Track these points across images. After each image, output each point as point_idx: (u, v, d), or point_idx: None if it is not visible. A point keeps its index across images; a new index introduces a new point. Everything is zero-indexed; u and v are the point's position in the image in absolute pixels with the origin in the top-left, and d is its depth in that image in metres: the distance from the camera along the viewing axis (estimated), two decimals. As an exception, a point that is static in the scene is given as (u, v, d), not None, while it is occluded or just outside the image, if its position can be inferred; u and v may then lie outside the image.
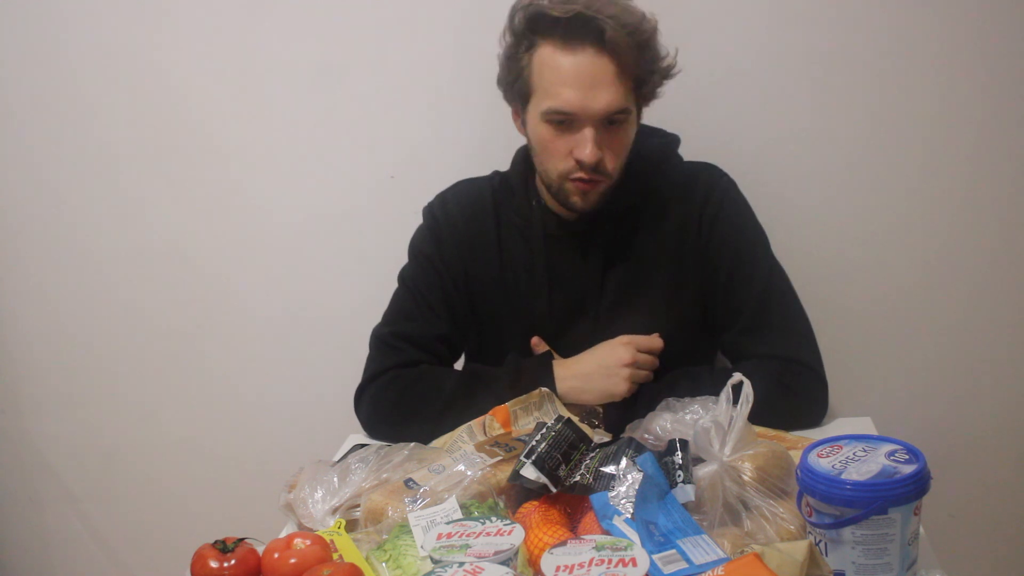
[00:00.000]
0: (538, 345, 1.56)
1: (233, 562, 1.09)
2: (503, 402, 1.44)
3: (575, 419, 1.37)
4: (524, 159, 1.58)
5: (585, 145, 1.40)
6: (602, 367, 1.48)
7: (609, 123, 1.41)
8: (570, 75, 1.38)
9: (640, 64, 1.40)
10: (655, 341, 1.52)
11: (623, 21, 1.36)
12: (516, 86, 1.46)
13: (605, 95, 1.38)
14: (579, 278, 1.56)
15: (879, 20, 1.70)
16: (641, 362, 1.49)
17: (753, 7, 1.73)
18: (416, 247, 1.64)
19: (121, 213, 2.02)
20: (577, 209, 1.50)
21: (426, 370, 1.56)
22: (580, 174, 1.44)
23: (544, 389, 1.46)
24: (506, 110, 1.53)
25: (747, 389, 1.13)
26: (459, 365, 1.68)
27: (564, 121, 1.41)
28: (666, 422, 1.27)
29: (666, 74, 1.47)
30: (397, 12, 1.82)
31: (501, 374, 1.51)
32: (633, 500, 1.12)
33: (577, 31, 1.37)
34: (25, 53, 1.96)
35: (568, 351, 1.55)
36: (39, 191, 2.04)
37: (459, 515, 1.16)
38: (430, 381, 1.55)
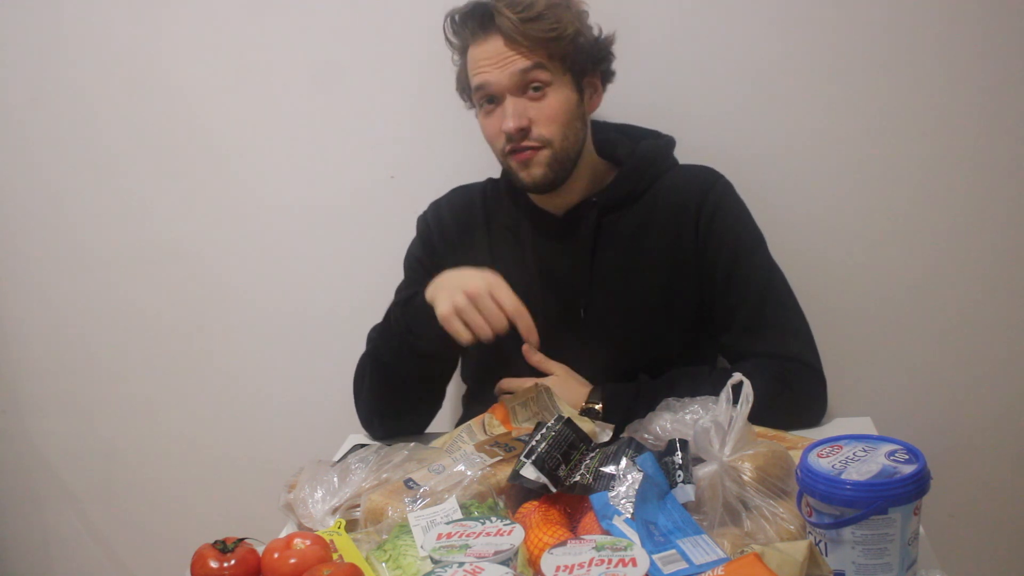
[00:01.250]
0: (528, 352, 1.56)
1: (233, 562, 1.09)
2: (403, 340, 1.47)
3: (575, 416, 1.37)
4: None
5: (506, 116, 1.45)
6: (451, 279, 1.40)
7: (532, 90, 1.46)
8: (482, 58, 1.47)
9: (538, 33, 1.43)
10: (511, 300, 1.34)
11: (514, 4, 1.43)
12: (464, 88, 1.54)
13: (511, 64, 1.44)
14: (570, 277, 1.56)
15: (877, 21, 1.70)
16: (483, 305, 1.34)
17: (749, 8, 1.73)
18: (409, 256, 1.67)
19: (121, 213, 2.02)
20: (527, 187, 1.52)
21: (368, 349, 1.60)
22: (511, 145, 1.47)
23: (541, 384, 1.46)
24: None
25: (747, 389, 1.13)
26: (459, 367, 1.69)
27: (490, 100, 1.48)
28: (666, 422, 1.27)
29: (585, 45, 1.49)
30: (397, 12, 1.82)
31: (390, 313, 1.54)
32: (633, 500, 1.12)
33: (478, 22, 1.46)
34: (25, 53, 1.96)
35: (561, 351, 1.55)
36: (39, 191, 2.04)
37: (459, 515, 1.16)
38: (367, 354, 1.59)
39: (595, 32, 1.52)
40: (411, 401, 1.58)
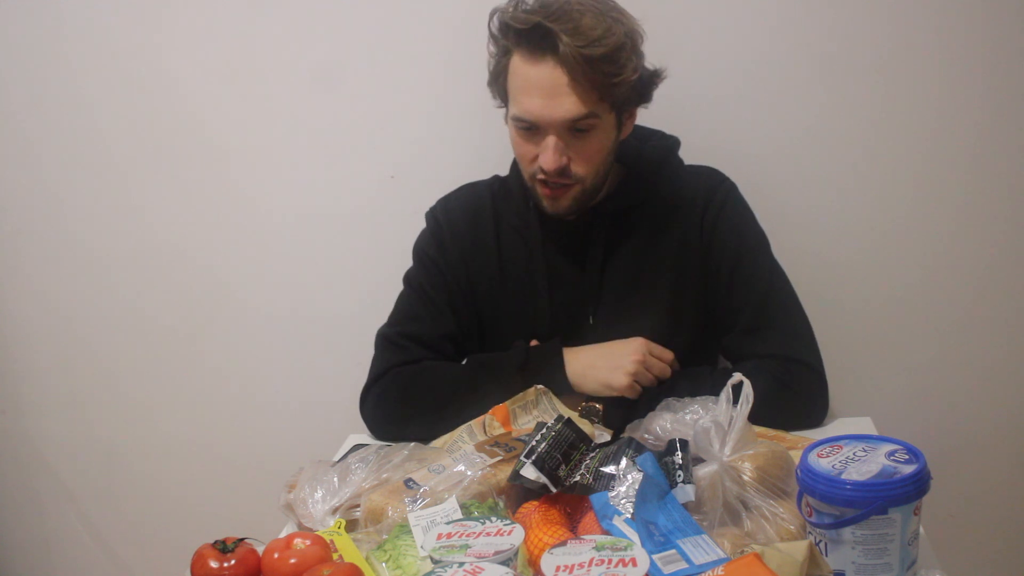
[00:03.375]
0: None
1: (233, 562, 1.09)
2: (510, 388, 1.45)
3: (575, 417, 1.37)
4: None
5: (547, 152, 1.41)
6: (610, 357, 1.47)
7: (576, 130, 1.41)
8: (531, 85, 1.40)
9: (600, 76, 1.37)
10: (667, 353, 1.51)
11: (580, 34, 1.35)
12: (499, 88, 1.49)
13: (564, 104, 1.38)
14: (578, 279, 1.56)
15: (880, 22, 1.70)
16: (649, 364, 1.48)
17: (754, 9, 1.73)
18: (420, 250, 1.64)
19: (121, 213, 2.02)
20: (547, 213, 1.51)
21: (428, 365, 1.57)
22: (544, 178, 1.45)
23: (540, 386, 1.46)
24: (506, 111, 1.54)
25: (747, 389, 1.13)
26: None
27: (530, 128, 1.43)
28: (666, 422, 1.27)
29: (638, 84, 1.44)
30: (397, 12, 1.82)
31: (508, 359, 1.51)
32: (633, 500, 1.12)
33: (537, 42, 1.37)
34: (25, 53, 1.96)
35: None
36: (39, 191, 2.04)
37: (459, 515, 1.16)
38: (433, 374, 1.55)
39: (650, 68, 1.46)
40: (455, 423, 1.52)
